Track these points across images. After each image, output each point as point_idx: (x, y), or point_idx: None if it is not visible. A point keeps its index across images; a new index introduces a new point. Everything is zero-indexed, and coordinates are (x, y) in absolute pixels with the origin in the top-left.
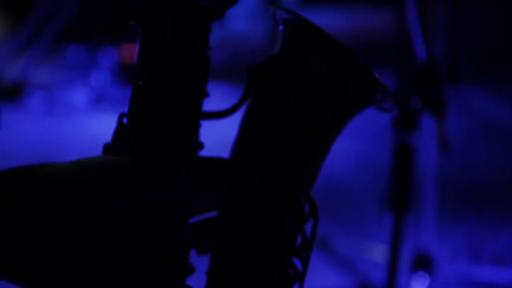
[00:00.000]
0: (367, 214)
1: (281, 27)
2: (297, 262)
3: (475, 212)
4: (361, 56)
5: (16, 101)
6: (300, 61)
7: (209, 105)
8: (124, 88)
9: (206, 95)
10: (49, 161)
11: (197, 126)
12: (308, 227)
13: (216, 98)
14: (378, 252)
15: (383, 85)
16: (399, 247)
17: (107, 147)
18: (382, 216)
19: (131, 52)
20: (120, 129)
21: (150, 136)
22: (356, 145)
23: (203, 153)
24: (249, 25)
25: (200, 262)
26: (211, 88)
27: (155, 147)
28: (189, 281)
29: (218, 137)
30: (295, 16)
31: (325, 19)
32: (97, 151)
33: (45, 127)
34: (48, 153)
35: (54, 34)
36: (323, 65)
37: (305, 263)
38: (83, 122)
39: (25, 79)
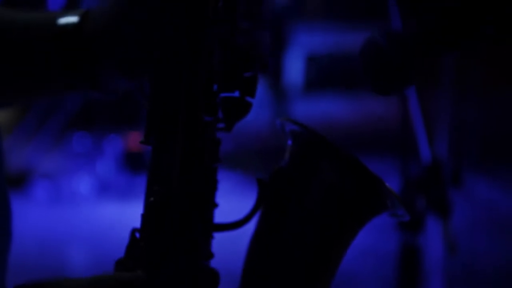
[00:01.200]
0: None
1: (289, 142)
2: None
3: None
4: (370, 170)
5: (21, 190)
6: (309, 173)
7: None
8: (129, 176)
9: (215, 205)
10: (53, 252)
11: (209, 239)
12: None
13: (223, 186)
14: None
15: (394, 195)
16: None
17: (119, 263)
18: None
19: (136, 140)
20: (132, 244)
21: (163, 251)
22: (361, 233)
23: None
24: (255, 113)
25: None
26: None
27: (167, 263)
28: None
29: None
30: (303, 127)
31: (329, 107)
32: (101, 240)
33: (50, 215)
34: (53, 243)
35: (60, 122)
36: (332, 176)
37: None
38: (88, 210)
39: (30, 167)
